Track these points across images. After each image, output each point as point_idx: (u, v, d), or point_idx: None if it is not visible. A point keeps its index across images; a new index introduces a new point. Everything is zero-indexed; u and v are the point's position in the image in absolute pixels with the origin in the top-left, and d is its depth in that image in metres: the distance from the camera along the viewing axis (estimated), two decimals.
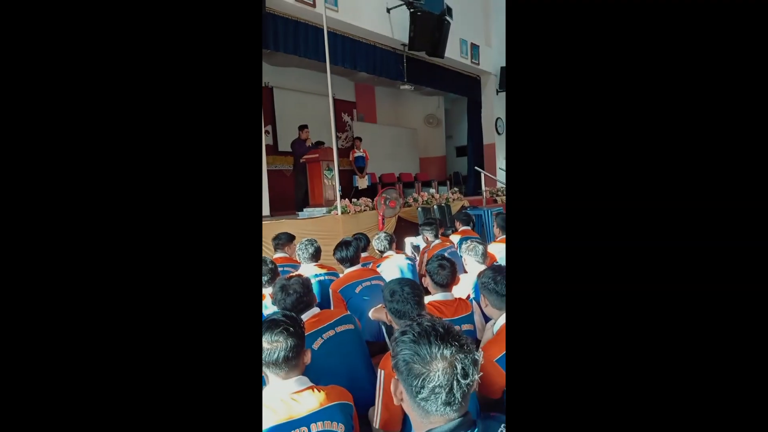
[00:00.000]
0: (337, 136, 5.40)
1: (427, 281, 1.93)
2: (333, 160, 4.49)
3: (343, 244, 2.53)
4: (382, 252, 3.05)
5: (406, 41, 5.82)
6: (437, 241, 3.45)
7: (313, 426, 1.04)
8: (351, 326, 1.72)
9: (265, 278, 2.19)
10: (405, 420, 1.28)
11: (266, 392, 1.10)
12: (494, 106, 8.12)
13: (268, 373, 1.10)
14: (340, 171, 4.53)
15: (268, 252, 3.27)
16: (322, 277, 2.52)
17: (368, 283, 2.35)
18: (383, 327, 2.11)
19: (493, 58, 7.86)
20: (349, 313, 1.88)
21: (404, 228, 4.87)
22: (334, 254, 2.55)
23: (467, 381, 0.75)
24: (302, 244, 2.62)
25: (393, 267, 2.80)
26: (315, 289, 2.36)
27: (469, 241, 2.52)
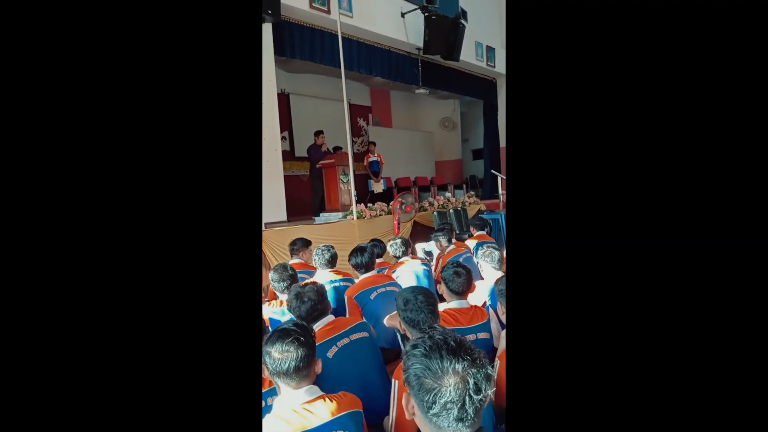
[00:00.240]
0: (353, 141, 5.42)
1: (442, 288, 1.91)
2: (348, 165, 4.51)
3: (358, 250, 2.53)
4: (397, 258, 3.04)
5: (421, 45, 5.82)
6: (452, 247, 3.42)
7: None
8: (365, 334, 1.71)
9: (284, 284, 2.20)
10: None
11: (278, 402, 1.10)
12: None
13: (279, 383, 1.10)
14: (355, 176, 4.55)
15: (286, 258, 3.30)
16: (337, 283, 2.52)
17: (383, 290, 2.34)
18: (398, 334, 2.10)
19: None
20: (363, 320, 1.87)
21: (420, 232, 4.85)
22: (349, 260, 2.55)
23: (479, 396, 0.74)
24: (319, 250, 2.63)
25: (409, 273, 2.78)
26: (330, 295, 2.37)
27: (485, 247, 2.49)
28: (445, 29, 5.77)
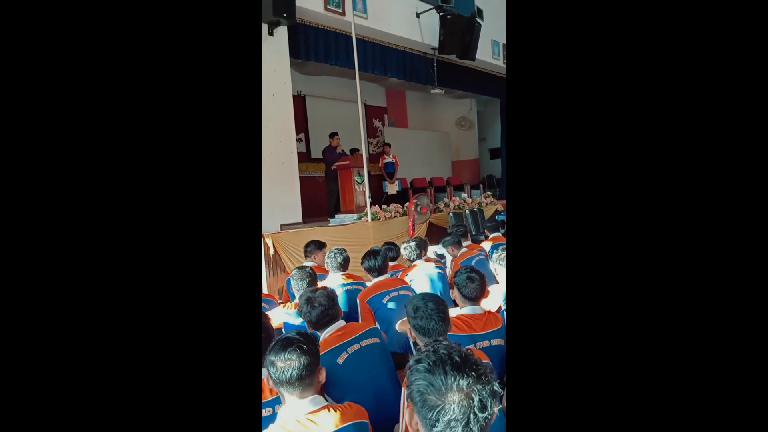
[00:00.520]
0: (368, 142, 5.42)
1: (455, 294, 1.88)
2: (363, 167, 4.51)
3: (371, 254, 2.52)
4: (411, 261, 3.02)
5: (437, 45, 5.77)
6: (464, 249, 3.37)
7: None
8: (376, 340, 1.70)
9: (304, 283, 2.22)
10: None
11: (282, 413, 1.09)
12: None
13: (283, 392, 1.10)
14: (370, 177, 4.55)
15: (301, 260, 3.31)
16: (349, 287, 2.52)
17: (396, 294, 2.32)
18: (410, 339, 2.08)
19: None
20: (375, 326, 1.86)
21: (435, 233, 4.81)
22: (362, 263, 2.54)
23: (485, 414, 0.71)
24: (331, 253, 2.63)
25: (422, 276, 2.75)
26: (342, 298, 2.36)
27: (499, 250, 2.43)
28: (461, 28, 5.71)
